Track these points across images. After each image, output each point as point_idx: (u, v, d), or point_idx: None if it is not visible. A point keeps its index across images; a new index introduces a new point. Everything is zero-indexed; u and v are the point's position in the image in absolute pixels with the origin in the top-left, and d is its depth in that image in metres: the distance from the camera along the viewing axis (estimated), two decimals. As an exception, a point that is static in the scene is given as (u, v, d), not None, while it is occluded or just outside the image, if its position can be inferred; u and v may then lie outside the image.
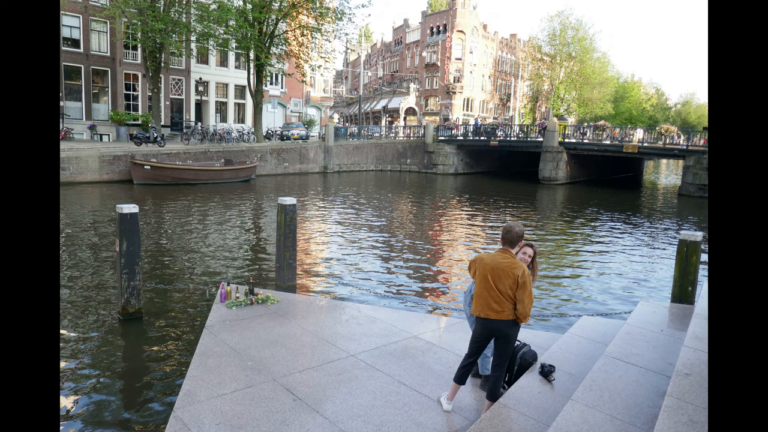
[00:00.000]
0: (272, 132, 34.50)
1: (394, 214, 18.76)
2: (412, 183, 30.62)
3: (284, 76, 36.75)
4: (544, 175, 32.14)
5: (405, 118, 58.97)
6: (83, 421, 4.58)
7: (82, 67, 28.99)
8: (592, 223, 18.01)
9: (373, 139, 37.60)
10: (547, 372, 4.66)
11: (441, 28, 59.79)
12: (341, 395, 4.58)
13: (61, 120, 26.25)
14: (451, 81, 58.81)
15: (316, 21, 30.03)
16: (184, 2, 27.57)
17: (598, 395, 4.02)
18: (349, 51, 65.35)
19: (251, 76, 30.23)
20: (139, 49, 29.60)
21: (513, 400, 4.25)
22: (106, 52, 29.93)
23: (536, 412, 4.08)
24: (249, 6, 27.37)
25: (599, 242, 14.68)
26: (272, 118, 39.80)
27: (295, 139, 33.94)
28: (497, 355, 4.22)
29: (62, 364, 5.49)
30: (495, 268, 3.99)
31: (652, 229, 17.43)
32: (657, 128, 34.26)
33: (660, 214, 22.19)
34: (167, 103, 32.47)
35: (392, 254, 11.98)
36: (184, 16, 27.51)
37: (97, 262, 10.14)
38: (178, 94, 33.45)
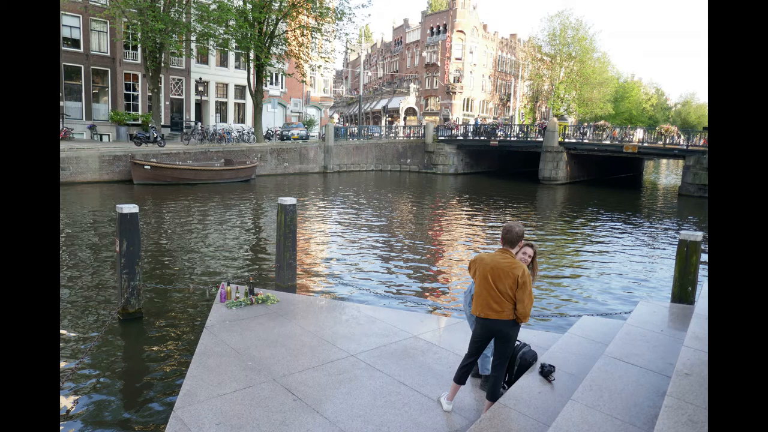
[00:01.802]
0: (272, 132, 34.51)
1: (394, 214, 18.76)
2: (412, 183, 30.62)
3: (284, 76, 36.76)
4: (544, 175, 32.13)
5: (405, 118, 58.97)
6: (83, 421, 4.59)
7: (82, 67, 28.99)
8: (592, 223, 18.01)
9: (373, 139, 37.59)
10: (547, 372, 4.66)
11: (441, 28, 59.78)
12: (341, 395, 4.58)
13: (61, 120, 26.25)
14: (451, 81, 58.81)
15: (316, 21, 30.03)
16: (184, 2, 27.56)
17: (598, 395, 4.02)
18: (349, 51, 65.32)
19: (251, 76, 30.23)
20: (139, 49, 29.60)
21: (513, 400, 4.25)
22: (106, 52, 29.92)
23: (536, 412, 4.08)
24: (249, 6, 27.37)
25: (599, 242, 14.68)
26: (272, 118, 39.81)
27: (295, 139, 33.94)
28: (497, 355, 4.21)
29: (62, 364, 5.49)
30: (495, 268, 3.99)
31: (652, 229, 17.43)
32: (657, 128, 34.26)
33: (660, 214, 22.19)
34: (167, 103, 32.46)
35: (392, 254, 11.98)
36: (184, 16, 27.50)
37: (97, 262, 10.14)
38: (178, 94, 33.45)
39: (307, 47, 31.89)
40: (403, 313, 7.26)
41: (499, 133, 37.75)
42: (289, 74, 32.73)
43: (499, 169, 40.14)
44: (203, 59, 33.94)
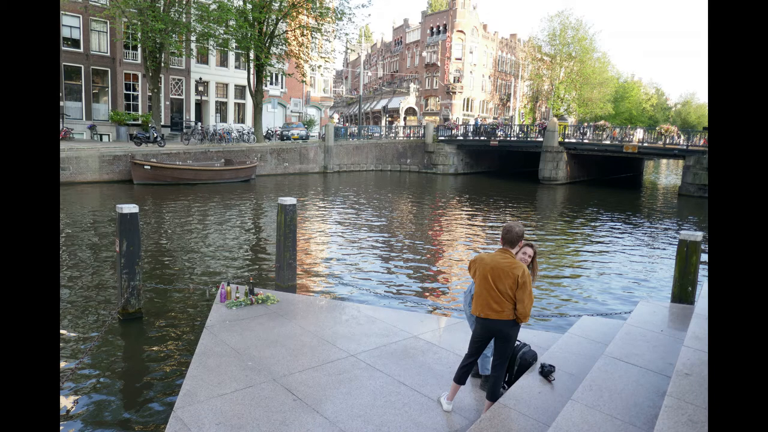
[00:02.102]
0: (272, 132, 34.51)
1: (394, 214, 18.76)
2: (412, 183, 30.62)
3: (284, 76, 36.76)
4: (544, 175, 32.13)
5: (405, 118, 58.97)
6: (83, 421, 4.59)
7: (82, 67, 28.98)
8: (592, 223, 18.01)
9: (373, 139, 37.59)
10: (547, 372, 4.66)
11: (441, 28, 59.78)
12: (341, 395, 4.58)
13: (61, 120, 26.25)
14: (451, 81, 58.80)
15: (316, 21, 30.03)
16: (184, 2, 27.56)
17: (598, 395, 4.02)
18: (349, 51, 65.30)
19: (251, 76, 30.23)
20: (139, 49, 29.60)
21: (513, 400, 4.25)
22: (106, 52, 29.92)
23: (536, 412, 4.08)
24: (249, 6, 27.37)
25: (599, 242, 14.68)
26: (272, 118, 39.81)
27: (295, 139, 33.95)
28: (497, 355, 4.21)
29: (62, 364, 5.49)
30: (495, 268, 3.99)
31: (652, 229, 17.43)
32: (657, 128, 34.26)
33: (660, 214, 22.18)
34: (167, 103, 32.46)
35: (392, 254, 11.98)
36: (184, 16, 27.50)
37: (97, 262, 10.14)
38: (178, 94, 33.45)
39: (307, 47, 31.89)
40: (403, 313, 7.26)
41: (499, 133, 37.75)
42: (289, 74, 32.74)
43: (499, 169, 40.14)
44: (203, 59, 33.94)
